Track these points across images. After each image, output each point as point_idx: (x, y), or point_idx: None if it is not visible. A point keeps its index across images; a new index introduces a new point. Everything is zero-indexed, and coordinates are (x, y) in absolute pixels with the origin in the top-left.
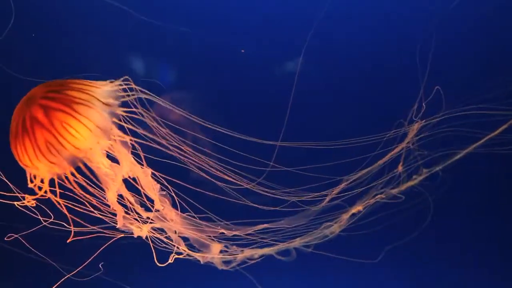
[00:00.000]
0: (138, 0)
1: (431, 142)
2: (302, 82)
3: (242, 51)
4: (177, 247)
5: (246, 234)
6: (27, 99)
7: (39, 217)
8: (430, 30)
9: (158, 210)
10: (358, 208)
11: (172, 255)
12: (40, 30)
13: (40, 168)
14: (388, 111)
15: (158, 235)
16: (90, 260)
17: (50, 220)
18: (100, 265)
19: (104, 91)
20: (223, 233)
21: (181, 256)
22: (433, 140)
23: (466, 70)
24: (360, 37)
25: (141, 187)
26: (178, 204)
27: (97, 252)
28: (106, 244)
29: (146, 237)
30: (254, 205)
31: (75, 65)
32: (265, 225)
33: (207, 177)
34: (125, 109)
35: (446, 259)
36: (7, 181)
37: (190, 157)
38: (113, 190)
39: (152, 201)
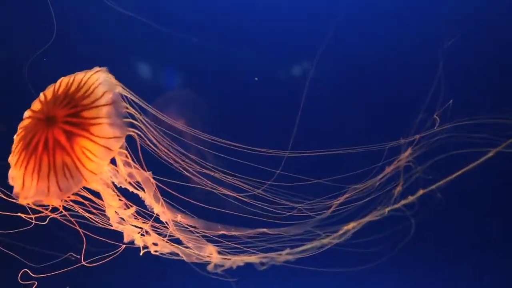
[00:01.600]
0: (144, 5)
1: (434, 152)
2: (310, 88)
3: (256, 79)
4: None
5: (239, 241)
6: (46, 118)
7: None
8: (445, 38)
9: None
10: (353, 224)
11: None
12: (44, 35)
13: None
14: (398, 117)
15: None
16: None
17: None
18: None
19: (109, 98)
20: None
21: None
22: (437, 150)
23: (476, 80)
24: (370, 42)
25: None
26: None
27: (95, 258)
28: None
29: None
30: (257, 217)
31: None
32: (264, 230)
33: (212, 185)
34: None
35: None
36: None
37: (193, 164)
38: (114, 204)
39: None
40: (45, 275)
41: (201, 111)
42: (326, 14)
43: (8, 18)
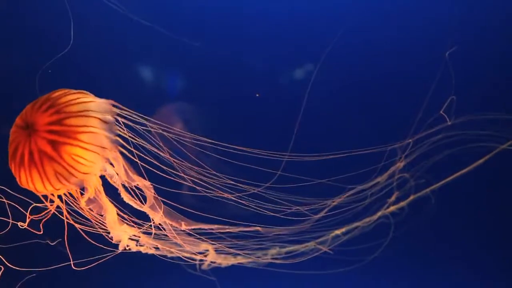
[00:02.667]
0: (144, 7)
1: (434, 153)
2: (311, 90)
3: (257, 95)
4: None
5: (234, 241)
6: (26, 126)
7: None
8: (445, 39)
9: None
10: (341, 230)
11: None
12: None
13: (43, 191)
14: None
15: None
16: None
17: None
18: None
19: (100, 105)
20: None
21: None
22: (437, 150)
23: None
24: (370, 44)
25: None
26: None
27: (90, 258)
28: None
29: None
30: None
31: (83, 72)
32: (258, 228)
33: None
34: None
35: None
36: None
37: (192, 169)
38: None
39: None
40: (24, 267)
41: (202, 114)
42: (326, 16)
43: (9, 18)
